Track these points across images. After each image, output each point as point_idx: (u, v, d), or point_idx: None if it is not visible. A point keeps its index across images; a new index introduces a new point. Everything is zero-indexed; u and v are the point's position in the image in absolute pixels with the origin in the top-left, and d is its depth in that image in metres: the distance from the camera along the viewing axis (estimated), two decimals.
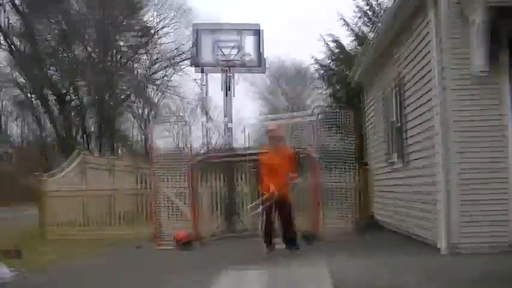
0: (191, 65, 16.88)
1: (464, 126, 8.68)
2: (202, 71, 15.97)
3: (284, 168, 10.22)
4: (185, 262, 10.25)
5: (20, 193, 29.19)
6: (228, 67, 14.87)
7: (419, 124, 10.13)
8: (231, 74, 15.00)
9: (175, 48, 44.58)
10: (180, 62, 44.68)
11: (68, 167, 17.31)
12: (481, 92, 8.70)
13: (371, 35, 20.75)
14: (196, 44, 15.59)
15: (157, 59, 45.77)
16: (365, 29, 22.92)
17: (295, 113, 16.76)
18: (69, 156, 19.11)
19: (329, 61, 23.68)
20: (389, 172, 13.06)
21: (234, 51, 14.93)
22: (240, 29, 15.45)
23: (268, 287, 7.75)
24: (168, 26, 45.36)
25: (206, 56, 15.14)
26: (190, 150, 14.26)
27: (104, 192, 16.88)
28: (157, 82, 46.63)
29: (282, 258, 9.65)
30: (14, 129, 52.09)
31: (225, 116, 15.33)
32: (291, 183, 10.62)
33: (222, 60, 14.86)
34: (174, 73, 45.81)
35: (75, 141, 42.03)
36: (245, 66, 15.89)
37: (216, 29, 16.01)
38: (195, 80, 38.21)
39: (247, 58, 15.09)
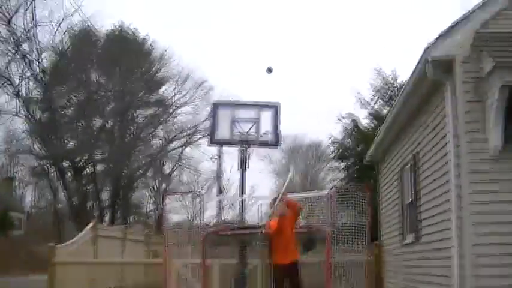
0: (209, 144, 16.93)
1: (478, 201, 8.57)
2: (220, 146, 15.97)
3: (291, 228, 10.27)
4: None
5: (28, 260, 29.03)
6: (245, 145, 14.87)
7: (433, 199, 10.06)
8: (248, 151, 14.95)
9: (193, 126, 45.05)
10: (197, 140, 45.11)
11: (80, 236, 17.23)
12: (496, 169, 8.63)
13: (385, 111, 20.96)
14: (215, 120, 15.71)
15: (175, 136, 46.15)
16: (379, 104, 23.19)
17: (310, 193, 16.59)
18: (81, 226, 19.02)
19: (342, 137, 23.90)
20: (401, 247, 12.89)
21: (253, 129, 14.94)
22: (258, 106, 15.54)
23: None
24: (187, 103, 46.12)
25: (224, 132, 15.16)
26: (202, 223, 14.18)
27: (115, 263, 16.84)
28: (174, 157, 46.94)
29: None
30: (27, 196, 52.38)
31: (241, 193, 15.25)
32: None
33: (239, 138, 14.83)
34: (190, 147, 46.20)
35: (88, 211, 42.03)
36: (263, 144, 15.90)
37: (234, 106, 16.11)
38: (211, 158, 38.59)
39: (265, 137, 15.09)
